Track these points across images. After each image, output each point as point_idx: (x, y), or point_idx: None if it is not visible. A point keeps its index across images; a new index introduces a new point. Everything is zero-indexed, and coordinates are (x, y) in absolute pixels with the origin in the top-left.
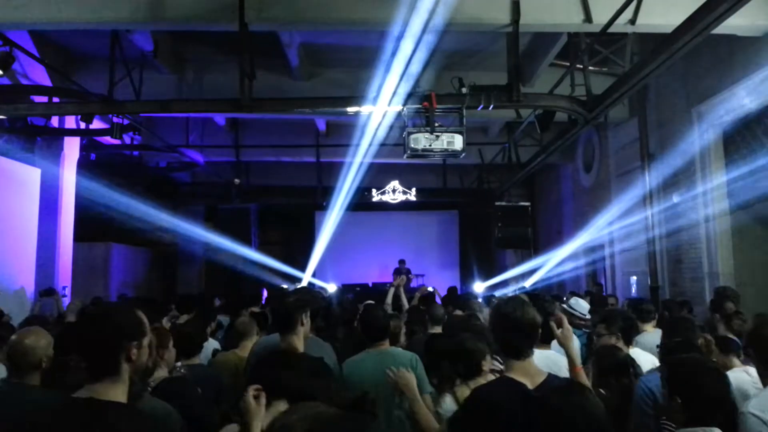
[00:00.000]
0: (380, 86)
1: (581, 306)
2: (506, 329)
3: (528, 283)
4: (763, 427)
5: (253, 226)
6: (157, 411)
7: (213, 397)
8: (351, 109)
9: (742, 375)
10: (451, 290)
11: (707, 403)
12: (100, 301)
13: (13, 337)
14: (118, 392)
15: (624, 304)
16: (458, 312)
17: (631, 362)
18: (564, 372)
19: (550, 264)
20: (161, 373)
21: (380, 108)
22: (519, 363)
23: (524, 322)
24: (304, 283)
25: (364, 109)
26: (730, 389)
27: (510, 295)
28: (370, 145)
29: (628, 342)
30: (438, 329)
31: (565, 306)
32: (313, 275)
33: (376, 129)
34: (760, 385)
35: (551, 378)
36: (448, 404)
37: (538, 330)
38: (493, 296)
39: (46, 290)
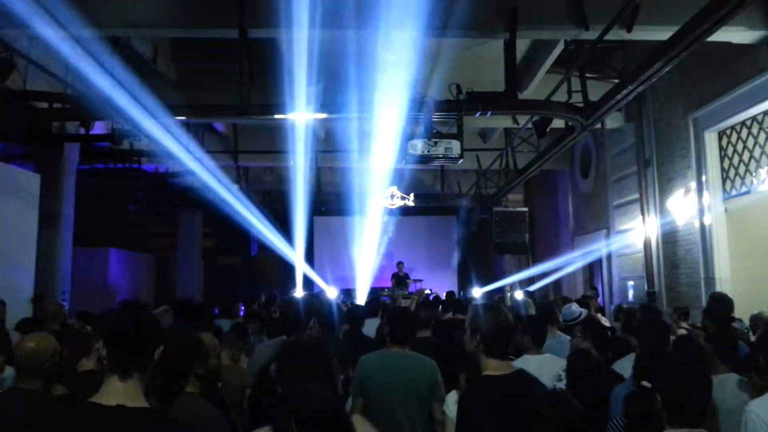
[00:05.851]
0: (379, 93)
1: (570, 314)
2: (497, 336)
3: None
4: (764, 426)
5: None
6: (195, 415)
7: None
8: (351, 115)
9: None
10: (449, 295)
11: (686, 402)
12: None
13: (22, 340)
14: (141, 392)
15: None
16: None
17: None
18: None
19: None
20: None
21: (378, 114)
22: (498, 362)
23: (509, 328)
24: (299, 288)
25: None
26: (710, 388)
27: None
28: (368, 151)
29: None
30: (426, 333)
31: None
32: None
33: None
34: None
35: (520, 372)
36: (451, 405)
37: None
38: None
39: (35, 297)
